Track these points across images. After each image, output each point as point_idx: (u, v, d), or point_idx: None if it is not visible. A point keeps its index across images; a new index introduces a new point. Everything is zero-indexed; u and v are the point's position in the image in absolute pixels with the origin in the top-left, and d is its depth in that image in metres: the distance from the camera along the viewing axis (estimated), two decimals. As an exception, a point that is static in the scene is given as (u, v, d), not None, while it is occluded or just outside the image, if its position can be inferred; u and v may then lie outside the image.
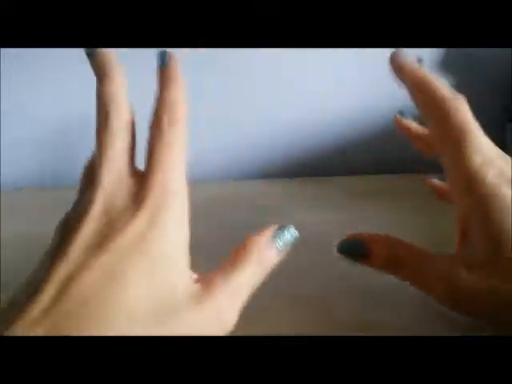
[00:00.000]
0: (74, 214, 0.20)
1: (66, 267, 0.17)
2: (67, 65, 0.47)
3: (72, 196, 0.22)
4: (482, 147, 0.22)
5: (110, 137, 0.21)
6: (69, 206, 0.22)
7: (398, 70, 0.26)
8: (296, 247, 0.33)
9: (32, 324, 0.16)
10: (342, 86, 0.50)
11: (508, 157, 0.23)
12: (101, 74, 0.23)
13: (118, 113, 0.22)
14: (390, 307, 0.25)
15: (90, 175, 0.21)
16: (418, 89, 0.25)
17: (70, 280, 0.17)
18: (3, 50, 0.46)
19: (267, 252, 0.21)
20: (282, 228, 0.22)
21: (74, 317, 0.16)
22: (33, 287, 0.17)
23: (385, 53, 0.51)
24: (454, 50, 0.50)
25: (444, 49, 0.50)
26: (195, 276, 0.20)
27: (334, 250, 0.24)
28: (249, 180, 0.51)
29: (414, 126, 0.30)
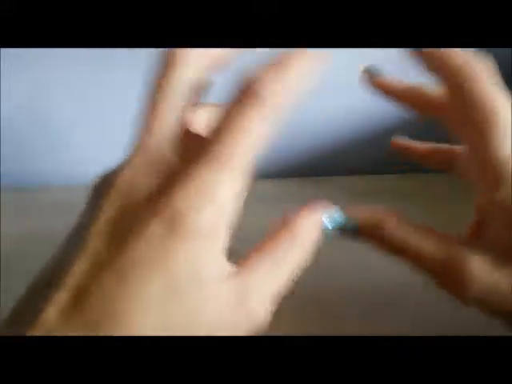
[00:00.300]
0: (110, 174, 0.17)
1: (84, 265, 0.15)
2: (68, 65, 0.47)
3: (72, 196, 0.22)
4: (506, 131, 0.20)
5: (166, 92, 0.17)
6: (68, 206, 0.22)
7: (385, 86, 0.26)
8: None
9: (49, 326, 0.15)
10: (341, 86, 0.50)
11: None
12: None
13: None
14: (389, 307, 0.25)
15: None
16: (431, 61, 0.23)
17: (81, 292, 0.15)
18: (3, 50, 0.46)
19: (317, 233, 0.18)
20: (330, 210, 0.19)
21: (93, 319, 0.15)
22: (51, 283, 0.16)
23: (385, 53, 0.51)
24: (453, 50, 0.50)
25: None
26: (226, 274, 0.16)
27: (334, 249, 0.24)
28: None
29: (388, 82, 0.27)
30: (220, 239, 0.16)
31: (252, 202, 0.25)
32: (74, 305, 0.15)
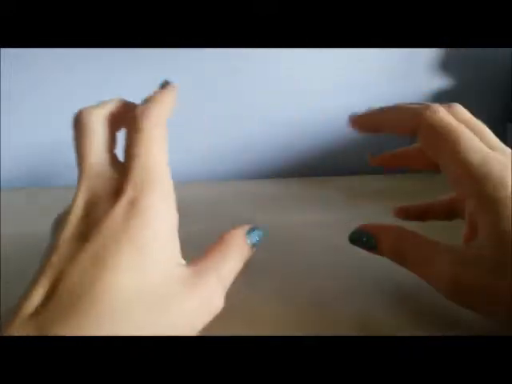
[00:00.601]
0: (63, 213, 0.21)
1: (54, 264, 0.18)
2: (68, 65, 0.47)
3: (72, 196, 0.22)
4: (473, 143, 0.21)
5: (86, 132, 0.22)
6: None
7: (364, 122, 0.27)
8: (296, 247, 0.33)
9: (23, 324, 0.16)
10: (341, 86, 0.50)
11: (507, 149, 0.22)
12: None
13: (92, 110, 0.23)
14: (389, 307, 0.25)
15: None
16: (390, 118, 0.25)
17: (59, 276, 0.17)
18: (3, 50, 0.46)
19: (245, 245, 0.23)
20: (252, 228, 0.23)
21: (65, 313, 0.16)
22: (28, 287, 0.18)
23: (385, 53, 0.51)
24: (454, 50, 0.50)
25: (444, 49, 0.50)
26: (183, 262, 0.20)
27: (334, 249, 0.24)
28: (249, 180, 0.51)
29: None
30: (172, 223, 0.20)
31: (252, 201, 0.26)
32: (46, 302, 0.17)
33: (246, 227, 0.23)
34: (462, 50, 0.50)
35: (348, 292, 0.26)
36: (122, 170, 0.21)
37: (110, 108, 0.24)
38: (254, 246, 0.23)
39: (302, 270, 0.29)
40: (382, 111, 0.26)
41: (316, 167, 0.52)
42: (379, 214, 0.32)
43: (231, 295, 0.21)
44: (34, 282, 0.18)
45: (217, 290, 0.20)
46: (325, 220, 0.37)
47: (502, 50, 0.51)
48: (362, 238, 0.24)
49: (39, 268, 0.18)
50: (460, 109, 0.24)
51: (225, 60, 0.48)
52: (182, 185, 0.29)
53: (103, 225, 0.18)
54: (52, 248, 0.19)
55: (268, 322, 0.24)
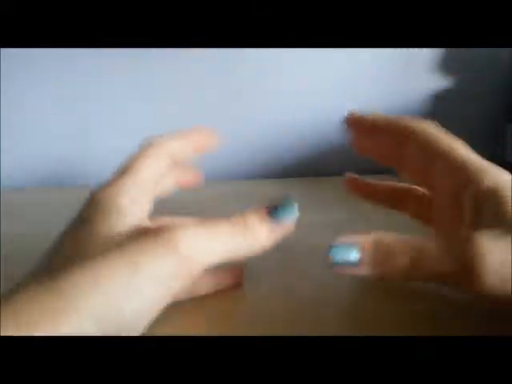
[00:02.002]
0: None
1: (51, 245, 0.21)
2: (67, 65, 0.47)
3: (72, 197, 0.22)
4: (464, 150, 0.23)
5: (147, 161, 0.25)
6: (69, 206, 0.22)
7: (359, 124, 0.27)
8: (296, 247, 0.33)
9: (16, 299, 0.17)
10: (341, 86, 0.50)
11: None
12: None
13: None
14: (389, 307, 0.25)
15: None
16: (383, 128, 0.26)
17: (52, 253, 0.20)
18: (3, 50, 0.46)
19: (256, 228, 0.21)
20: (279, 206, 0.22)
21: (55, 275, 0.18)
22: None
23: (385, 53, 0.51)
24: (454, 50, 0.50)
25: (444, 49, 0.50)
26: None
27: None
28: (249, 180, 0.51)
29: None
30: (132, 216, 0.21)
31: (252, 201, 0.25)
32: (45, 271, 0.19)
33: (268, 207, 0.22)
34: (462, 50, 0.50)
35: (348, 292, 0.26)
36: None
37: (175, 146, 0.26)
38: (280, 225, 0.21)
39: (302, 269, 0.29)
40: (378, 116, 0.26)
41: (316, 167, 0.52)
42: (379, 214, 0.32)
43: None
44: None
45: (182, 237, 0.19)
46: (325, 220, 0.37)
47: (502, 50, 0.51)
48: (346, 253, 0.22)
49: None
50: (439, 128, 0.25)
51: (224, 60, 0.48)
52: (182, 185, 0.29)
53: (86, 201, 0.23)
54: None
55: (268, 321, 0.24)
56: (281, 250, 0.31)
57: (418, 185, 0.28)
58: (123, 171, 0.24)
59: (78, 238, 0.20)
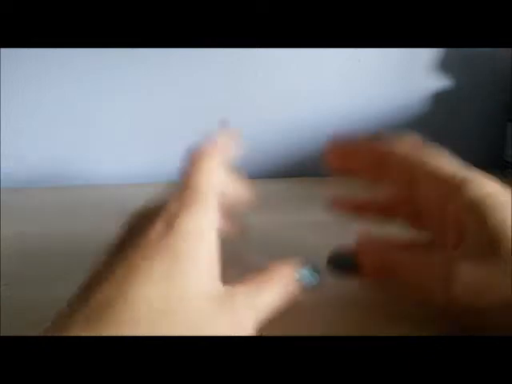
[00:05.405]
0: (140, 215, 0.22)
1: (96, 270, 0.19)
2: (67, 65, 0.47)
3: (72, 196, 0.22)
4: (446, 163, 0.23)
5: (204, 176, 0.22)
6: (69, 206, 0.22)
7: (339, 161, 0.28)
8: (296, 247, 0.33)
9: (59, 327, 0.17)
10: (341, 86, 0.50)
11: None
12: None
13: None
14: (389, 307, 0.25)
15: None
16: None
17: (96, 280, 0.18)
18: (3, 50, 0.46)
19: (291, 282, 0.21)
20: (305, 268, 0.22)
21: (95, 318, 0.17)
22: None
23: (385, 53, 0.51)
24: (454, 50, 0.50)
25: (444, 49, 0.50)
26: (219, 281, 0.20)
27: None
28: (249, 180, 0.51)
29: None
30: (210, 242, 0.20)
31: (252, 201, 0.26)
32: (88, 288, 0.18)
33: (297, 264, 0.22)
34: (462, 50, 0.50)
35: (349, 292, 0.26)
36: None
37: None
38: (302, 283, 0.22)
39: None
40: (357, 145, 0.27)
41: (316, 167, 0.52)
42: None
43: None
44: (83, 287, 0.19)
45: (245, 315, 0.19)
46: (325, 220, 0.37)
47: (502, 50, 0.51)
48: (342, 263, 0.23)
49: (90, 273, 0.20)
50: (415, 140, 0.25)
51: (225, 60, 0.48)
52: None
53: (141, 237, 0.19)
54: (106, 254, 0.20)
55: (267, 321, 0.24)
56: (281, 250, 0.31)
57: (403, 202, 0.28)
58: (190, 192, 0.21)
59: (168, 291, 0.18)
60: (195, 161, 0.22)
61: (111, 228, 0.22)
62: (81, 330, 0.16)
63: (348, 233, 0.25)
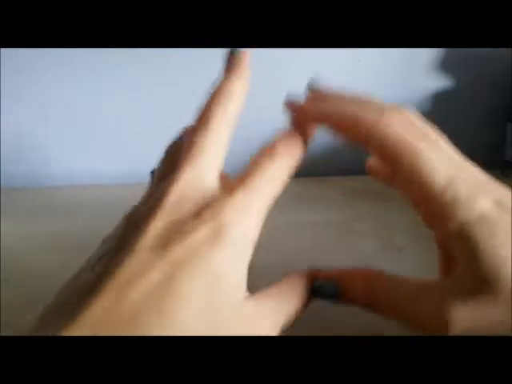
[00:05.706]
0: (142, 210, 0.19)
1: (125, 271, 0.16)
2: (67, 65, 0.47)
3: (72, 195, 0.22)
4: (434, 164, 0.19)
5: (207, 136, 0.21)
6: (69, 206, 0.22)
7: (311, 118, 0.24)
8: (296, 247, 0.33)
9: (93, 321, 0.15)
10: (341, 86, 0.50)
11: (467, 162, 0.20)
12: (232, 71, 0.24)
13: (224, 117, 0.22)
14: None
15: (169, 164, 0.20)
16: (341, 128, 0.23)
17: (127, 286, 0.16)
18: (3, 50, 0.46)
19: (306, 293, 0.21)
20: (325, 282, 0.22)
21: (124, 328, 0.15)
22: (87, 287, 0.16)
23: (385, 53, 0.51)
24: (454, 50, 0.50)
25: (444, 49, 0.50)
26: (247, 294, 0.19)
27: (334, 249, 0.24)
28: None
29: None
30: (248, 253, 0.18)
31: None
32: (118, 301, 0.15)
33: (316, 279, 0.21)
34: (462, 49, 0.50)
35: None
36: (214, 194, 0.19)
37: None
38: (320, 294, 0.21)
39: (303, 269, 0.29)
40: (334, 104, 0.23)
41: (316, 167, 0.52)
42: (379, 214, 0.32)
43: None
44: (96, 287, 0.16)
45: (265, 327, 0.18)
46: (325, 220, 0.37)
47: (502, 50, 0.51)
48: (324, 289, 0.21)
49: (102, 270, 0.17)
50: (413, 115, 0.21)
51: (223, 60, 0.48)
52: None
53: (179, 249, 0.17)
54: (122, 253, 0.17)
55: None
56: (281, 250, 0.31)
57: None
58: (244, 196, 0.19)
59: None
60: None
61: (111, 228, 0.22)
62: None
63: (348, 233, 0.25)
